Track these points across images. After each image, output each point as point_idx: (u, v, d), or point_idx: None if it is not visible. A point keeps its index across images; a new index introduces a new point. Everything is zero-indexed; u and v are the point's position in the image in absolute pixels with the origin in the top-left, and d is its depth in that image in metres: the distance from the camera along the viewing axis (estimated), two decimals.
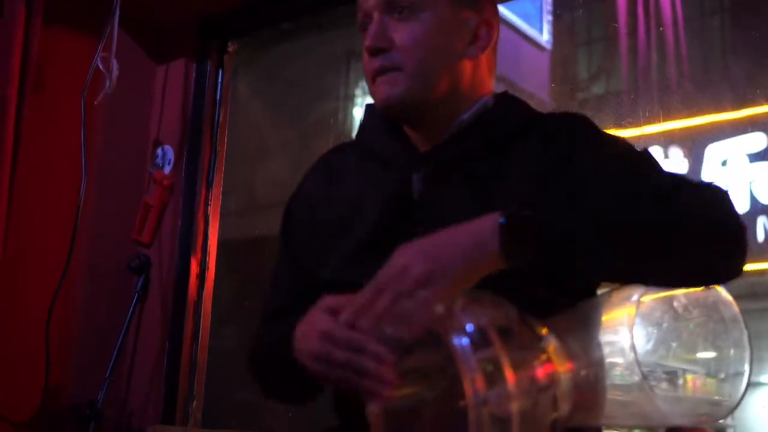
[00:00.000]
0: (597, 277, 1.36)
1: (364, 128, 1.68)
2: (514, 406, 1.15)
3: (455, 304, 1.20)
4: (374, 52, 1.52)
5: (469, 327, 1.18)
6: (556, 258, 1.26)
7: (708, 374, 2.05)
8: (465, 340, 1.16)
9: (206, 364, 3.10)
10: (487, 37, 1.57)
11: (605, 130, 1.55)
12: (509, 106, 1.59)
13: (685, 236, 1.30)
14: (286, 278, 1.69)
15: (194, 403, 3.04)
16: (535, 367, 1.21)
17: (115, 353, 2.94)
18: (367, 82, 1.58)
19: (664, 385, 1.44)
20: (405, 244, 1.26)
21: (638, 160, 1.48)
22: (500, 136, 1.52)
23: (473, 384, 1.13)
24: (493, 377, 1.15)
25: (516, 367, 1.16)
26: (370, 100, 1.65)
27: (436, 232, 1.28)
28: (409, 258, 1.23)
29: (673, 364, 2.04)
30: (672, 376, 2.30)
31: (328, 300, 1.33)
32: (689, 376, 2.26)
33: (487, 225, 1.24)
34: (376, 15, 1.52)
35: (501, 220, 1.23)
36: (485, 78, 1.60)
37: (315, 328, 1.31)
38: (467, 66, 1.55)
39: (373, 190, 1.57)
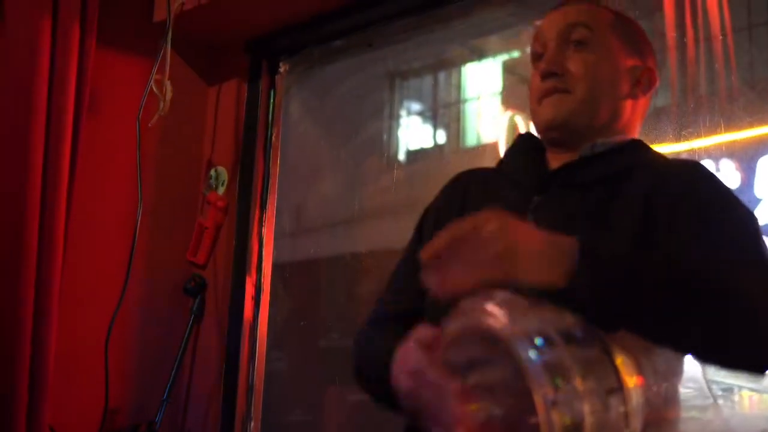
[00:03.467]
0: (641, 332, 1.31)
1: (507, 152, 1.78)
2: (586, 407, 1.13)
3: (516, 310, 1.19)
4: (547, 75, 1.62)
5: (539, 340, 1.16)
6: (611, 300, 1.25)
7: (763, 390, 2.01)
8: (533, 353, 1.14)
9: (263, 385, 3.10)
10: (649, 83, 1.68)
11: (715, 184, 1.53)
12: (637, 146, 1.66)
13: (742, 322, 1.26)
14: (411, 279, 1.67)
15: (251, 424, 3.03)
16: (601, 366, 1.19)
17: (172, 375, 2.96)
18: (532, 106, 1.68)
19: (721, 401, 1.41)
20: (493, 211, 1.27)
21: (738, 239, 1.43)
22: (618, 170, 1.56)
23: (545, 401, 1.11)
24: (562, 384, 1.13)
25: (583, 367, 1.15)
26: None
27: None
28: (494, 229, 1.24)
29: (728, 380, 2.01)
30: (728, 392, 2.26)
31: (421, 332, 1.35)
32: (745, 393, 2.22)
33: (566, 243, 1.26)
34: (552, 44, 1.65)
35: (578, 247, 1.25)
36: (637, 121, 1.70)
37: (407, 364, 1.35)
38: (628, 105, 1.66)
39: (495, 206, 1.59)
